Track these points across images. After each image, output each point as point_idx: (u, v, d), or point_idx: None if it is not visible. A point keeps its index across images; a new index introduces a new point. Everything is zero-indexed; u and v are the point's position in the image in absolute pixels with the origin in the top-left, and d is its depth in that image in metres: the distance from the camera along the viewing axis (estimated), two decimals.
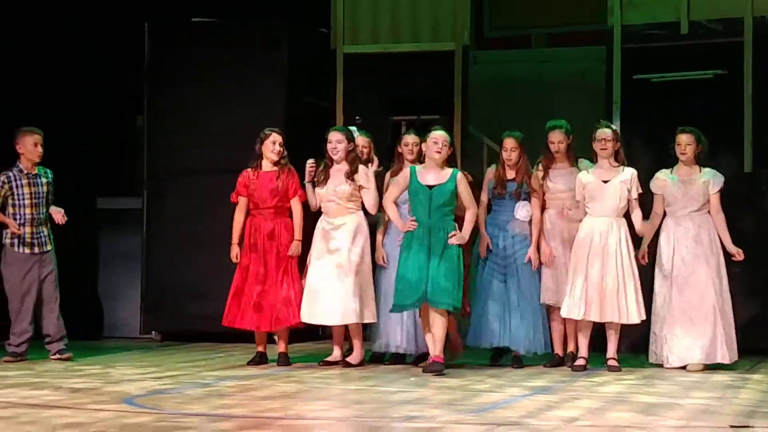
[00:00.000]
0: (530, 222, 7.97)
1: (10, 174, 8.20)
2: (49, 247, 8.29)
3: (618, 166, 7.91)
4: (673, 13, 9.71)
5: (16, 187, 8.17)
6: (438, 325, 7.40)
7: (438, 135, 7.57)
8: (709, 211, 8.01)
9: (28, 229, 8.20)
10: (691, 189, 8.00)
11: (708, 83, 9.58)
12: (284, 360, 8.02)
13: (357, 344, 7.94)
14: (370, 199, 7.91)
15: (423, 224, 7.49)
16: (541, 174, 8.11)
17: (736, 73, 9.48)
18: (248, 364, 8.00)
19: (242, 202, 8.05)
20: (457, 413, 5.76)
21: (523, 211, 7.95)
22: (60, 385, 6.80)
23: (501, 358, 8.08)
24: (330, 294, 7.79)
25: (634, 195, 7.88)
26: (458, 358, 8.08)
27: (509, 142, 7.97)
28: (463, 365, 7.95)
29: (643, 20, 9.78)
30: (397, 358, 8.09)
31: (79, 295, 9.68)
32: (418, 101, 10.26)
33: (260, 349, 8.10)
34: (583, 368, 7.77)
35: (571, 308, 7.78)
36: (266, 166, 8.03)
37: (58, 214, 8.25)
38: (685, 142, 8.03)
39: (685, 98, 9.55)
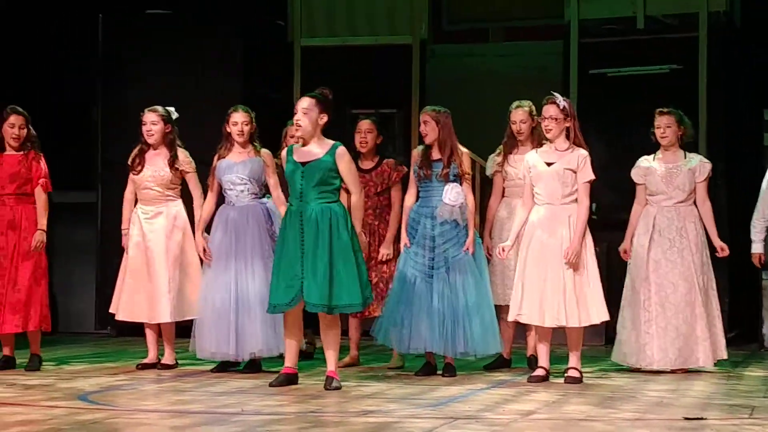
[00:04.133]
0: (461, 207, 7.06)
1: None
2: None
3: (567, 149, 6.87)
4: (629, 8, 9.79)
5: None
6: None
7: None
8: (695, 202, 7.42)
9: None
10: (676, 177, 7.41)
11: (663, 77, 9.67)
12: (35, 362, 7.33)
13: (168, 346, 7.42)
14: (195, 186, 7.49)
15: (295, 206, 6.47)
16: (498, 159, 7.48)
17: (691, 67, 9.58)
18: (26, 369, 7.26)
19: None
20: (414, 407, 5.76)
21: (452, 194, 7.07)
22: (13, 381, 6.72)
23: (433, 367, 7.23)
24: (145, 290, 7.39)
25: (582, 180, 6.83)
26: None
27: (422, 116, 7.17)
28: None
29: (599, 15, 9.85)
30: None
31: None
32: (375, 95, 10.24)
33: (6, 352, 7.35)
34: (543, 379, 6.87)
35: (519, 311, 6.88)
36: (9, 149, 7.41)
37: None
38: (664, 124, 7.40)
39: (641, 92, 9.62)
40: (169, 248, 7.43)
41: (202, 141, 8.02)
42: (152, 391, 6.42)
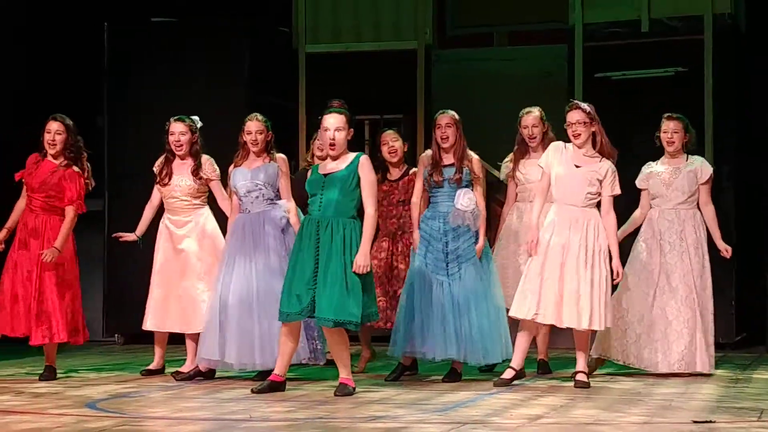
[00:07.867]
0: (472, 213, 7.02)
1: None
2: None
3: (594, 156, 6.85)
4: (633, 11, 9.78)
5: None
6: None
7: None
8: (697, 204, 7.40)
9: None
10: (676, 179, 7.37)
11: (669, 81, 9.65)
12: (50, 373, 7.21)
13: (190, 351, 7.42)
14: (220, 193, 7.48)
15: (314, 218, 6.49)
16: (511, 165, 7.55)
17: (696, 70, 9.56)
18: (40, 379, 7.14)
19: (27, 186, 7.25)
20: (422, 413, 5.75)
21: (464, 199, 7.03)
22: (22, 389, 6.74)
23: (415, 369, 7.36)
24: (177, 300, 7.41)
25: (608, 193, 6.83)
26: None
27: (444, 119, 7.11)
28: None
29: (603, 18, 9.84)
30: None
31: None
32: (381, 100, 10.24)
33: (47, 362, 7.22)
34: (511, 380, 6.89)
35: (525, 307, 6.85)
36: (49, 156, 7.26)
37: None
38: (672, 129, 7.36)
39: (647, 96, 9.60)
40: (201, 257, 7.42)
41: (210, 148, 8.03)
42: (160, 398, 6.43)
